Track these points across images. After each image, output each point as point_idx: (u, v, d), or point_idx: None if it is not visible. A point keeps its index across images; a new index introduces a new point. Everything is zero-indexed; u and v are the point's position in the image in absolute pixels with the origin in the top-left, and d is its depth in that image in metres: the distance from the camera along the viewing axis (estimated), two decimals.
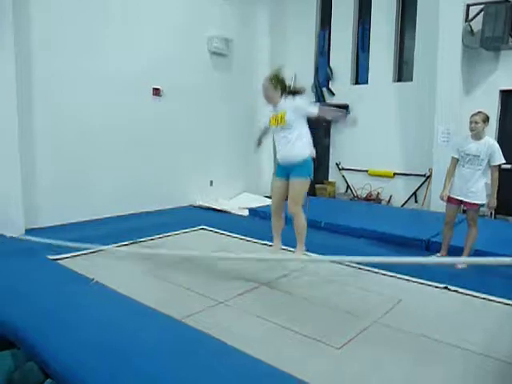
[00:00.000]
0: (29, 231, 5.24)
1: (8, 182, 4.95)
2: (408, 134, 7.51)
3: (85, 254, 4.46)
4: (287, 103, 3.65)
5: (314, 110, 3.65)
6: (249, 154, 8.24)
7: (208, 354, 2.48)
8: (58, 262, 4.19)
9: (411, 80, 7.57)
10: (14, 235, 4.96)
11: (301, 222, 3.72)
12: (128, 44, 6.21)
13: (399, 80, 7.88)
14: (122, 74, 6.16)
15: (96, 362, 2.33)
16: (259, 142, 4.31)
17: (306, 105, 3.67)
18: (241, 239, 5.24)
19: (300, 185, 3.59)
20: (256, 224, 6.05)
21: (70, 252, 4.41)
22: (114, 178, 6.15)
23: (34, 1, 5.24)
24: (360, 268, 4.20)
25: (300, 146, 3.59)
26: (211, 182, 7.71)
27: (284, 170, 3.75)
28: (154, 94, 6.67)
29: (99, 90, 5.93)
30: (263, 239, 5.01)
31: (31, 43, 5.26)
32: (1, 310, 2.99)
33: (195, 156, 7.38)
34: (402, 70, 7.94)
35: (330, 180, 8.47)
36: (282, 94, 3.73)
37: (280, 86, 3.69)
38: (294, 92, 3.84)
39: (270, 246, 4.87)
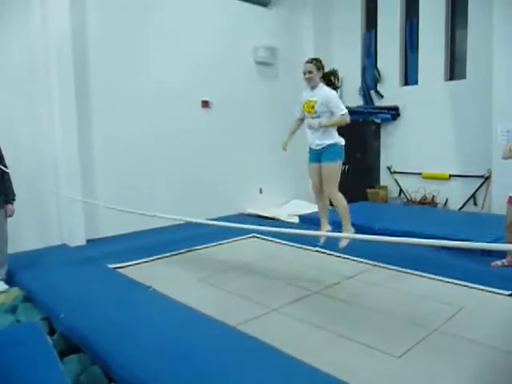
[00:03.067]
0: (90, 241, 5.52)
1: (71, 196, 5.25)
2: (463, 133, 7.17)
3: (143, 262, 4.64)
4: (322, 92, 3.81)
5: (342, 112, 3.76)
6: (297, 161, 8.23)
7: (262, 361, 2.49)
8: (118, 270, 4.38)
9: (465, 78, 7.25)
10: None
11: (340, 202, 3.83)
12: (175, 57, 6.42)
13: (451, 78, 7.56)
14: (171, 88, 6.36)
15: (158, 366, 2.41)
16: (288, 138, 4.49)
17: (336, 103, 3.78)
18: (291, 246, 5.23)
19: (330, 168, 3.74)
20: (306, 230, 5.99)
21: (129, 261, 4.60)
22: (167, 189, 6.35)
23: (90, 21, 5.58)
24: (416, 274, 4.06)
25: (327, 134, 3.77)
26: (260, 190, 7.77)
27: (315, 155, 3.95)
28: (202, 107, 6.84)
29: (150, 105, 6.17)
30: (314, 245, 4.97)
31: (90, 68, 5.60)
32: (68, 317, 3.17)
33: (244, 165, 7.47)
34: (455, 68, 7.62)
35: (381, 184, 8.25)
36: (321, 78, 3.95)
37: (322, 69, 3.90)
38: (331, 83, 4.05)
39: (323, 252, 4.84)
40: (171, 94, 6.38)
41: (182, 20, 6.51)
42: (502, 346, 2.68)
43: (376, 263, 4.42)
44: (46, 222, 5.37)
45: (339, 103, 3.84)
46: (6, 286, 4.12)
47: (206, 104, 6.87)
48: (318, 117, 3.80)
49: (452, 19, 7.51)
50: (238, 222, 6.60)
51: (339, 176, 4.02)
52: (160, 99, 6.27)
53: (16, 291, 4.10)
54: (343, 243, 4.11)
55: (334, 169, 3.77)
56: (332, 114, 3.76)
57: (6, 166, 4.08)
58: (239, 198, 7.42)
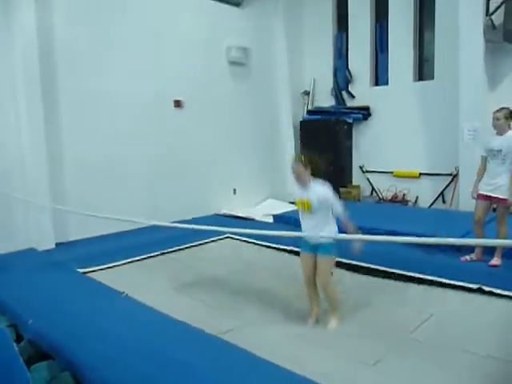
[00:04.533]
0: (59, 245, 5.37)
1: (40, 200, 5.08)
2: (432, 133, 7.36)
3: (115, 266, 4.55)
4: (315, 190, 3.44)
5: (340, 211, 3.42)
6: (271, 161, 8.27)
7: (244, 371, 2.47)
8: (88, 275, 4.28)
9: (433, 78, 7.44)
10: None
11: (332, 292, 3.55)
12: (147, 57, 6.33)
13: (420, 79, 7.75)
14: (143, 88, 6.27)
15: (130, 371, 2.36)
16: None
17: (333, 200, 3.43)
18: (266, 246, 5.22)
19: (327, 263, 3.50)
20: (281, 230, 6.01)
21: (100, 265, 4.50)
22: (139, 191, 6.25)
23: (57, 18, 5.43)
24: (385, 277, 4.12)
25: (327, 230, 3.45)
26: (234, 190, 7.74)
27: (311, 246, 3.60)
28: (175, 106, 6.78)
29: (121, 106, 6.06)
30: (288, 245, 4.99)
31: (57, 67, 5.46)
32: (37, 323, 3.07)
33: (218, 165, 7.44)
34: (423, 69, 7.81)
35: (354, 183, 8.38)
36: (312, 175, 3.49)
37: (310, 165, 3.47)
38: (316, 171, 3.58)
39: (296, 253, 4.85)
40: (143, 94, 6.29)
41: (153, 20, 6.42)
42: (479, 350, 2.72)
43: (343, 260, 4.43)
44: (12, 224, 5.18)
45: (336, 199, 3.49)
46: None
47: (178, 104, 6.80)
48: (317, 213, 3.45)
49: (420, 21, 7.70)
50: (212, 223, 6.58)
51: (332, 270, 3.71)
52: (131, 99, 6.16)
53: None
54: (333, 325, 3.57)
55: (331, 262, 3.54)
56: (327, 209, 3.44)
57: None
58: (213, 198, 7.38)
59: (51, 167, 5.35)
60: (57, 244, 5.37)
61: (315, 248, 3.56)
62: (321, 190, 3.43)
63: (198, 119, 7.08)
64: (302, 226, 3.63)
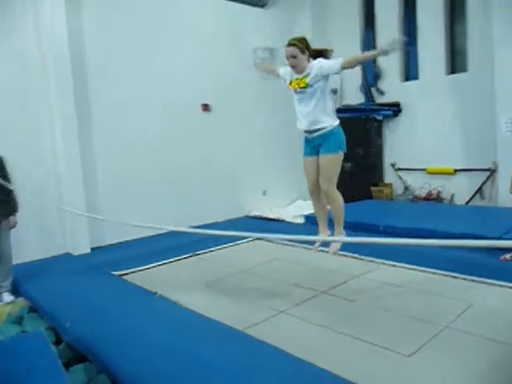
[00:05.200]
0: (94, 249, 5.50)
1: (74, 206, 5.21)
2: (467, 127, 7.10)
3: (148, 268, 4.61)
4: (312, 67, 3.19)
5: (337, 62, 3.15)
6: (300, 162, 8.19)
7: (271, 364, 2.44)
8: (123, 277, 4.35)
9: (466, 71, 7.18)
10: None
11: (337, 201, 3.25)
12: (174, 61, 6.41)
13: (453, 72, 7.49)
14: (171, 93, 6.33)
15: (166, 374, 2.37)
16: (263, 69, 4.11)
17: (328, 62, 3.18)
18: (296, 247, 5.18)
19: (330, 161, 3.15)
20: (312, 231, 5.94)
21: (134, 267, 4.57)
22: (171, 194, 6.32)
23: (88, 31, 5.58)
24: (424, 271, 4.01)
25: (324, 113, 3.17)
26: (264, 192, 7.73)
27: (312, 146, 3.37)
28: (203, 110, 6.83)
29: (151, 110, 6.15)
30: (320, 246, 4.93)
31: (88, 76, 5.61)
32: (73, 326, 3.14)
33: (248, 167, 7.44)
34: (455, 61, 7.55)
35: (386, 182, 8.19)
36: (309, 59, 3.26)
37: (307, 49, 3.21)
38: (319, 53, 3.35)
39: (325, 251, 4.79)
40: (171, 99, 6.36)
41: (180, 24, 6.50)
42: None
43: (383, 261, 4.36)
44: (49, 231, 5.35)
45: (331, 60, 3.23)
46: (11, 297, 4.10)
47: (206, 107, 6.85)
48: (313, 92, 3.19)
49: (451, 12, 7.45)
50: (243, 225, 6.61)
51: (339, 170, 3.40)
52: (160, 104, 6.25)
53: (22, 301, 4.08)
54: (334, 248, 3.56)
55: (334, 161, 3.19)
56: (326, 78, 3.17)
57: (9, 180, 4.07)
58: (243, 200, 7.39)
59: (85, 173, 5.48)
60: (92, 248, 5.50)
61: (317, 146, 3.29)
62: (314, 63, 3.14)
63: (226, 122, 7.10)
64: (297, 113, 3.35)
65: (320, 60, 3.19)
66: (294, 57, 3.16)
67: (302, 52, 3.14)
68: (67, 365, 2.84)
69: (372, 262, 4.42)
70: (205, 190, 6.76)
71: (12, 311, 3.98)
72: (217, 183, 6.98)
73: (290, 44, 3.19)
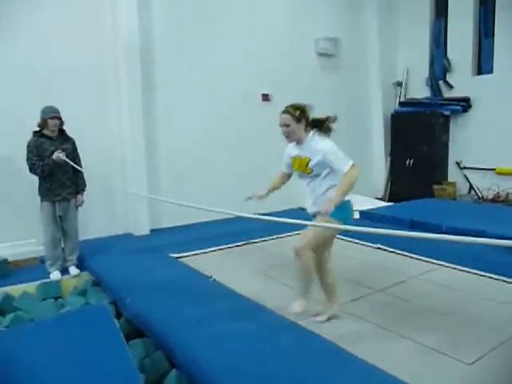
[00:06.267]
0: (153, 231, 5.72)
1: (137, 189, 5.43)
2: None
3: (203, 253, 4.73)
4: (313, 146, 2.87)
5: (341, 167, 2.78)
6: (358, 155, 7.98)
7: (324, 358, 2.43)
8: (179, 259, 4.50)
9: None
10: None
11: (307, 264, 2.78)
12: (237, 52, 6.46)
13: None
14: (232, 82, 6.40)
15: (221, 358, 2.42)
16: (265, 194, 3.65)
17: (336, 156, 2.81)
18: (350, 242, 5.09)
19: (323, 221, 2.69)
20: (367, 227, 5.80)
21: (189, 251, 4.71)
22: (227, 182, 6.41)
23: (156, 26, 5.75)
24: (488, 276, 3.79)
25: (330, 194, 2.80)
26: None
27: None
28: (263, 100, 6.83)
29: (212, 101, 6.26)
30: (374, 242, 4.82)
31: (155, 66, 5.78)
32: (133, 302, 3.29)
33: None
34: None
35: (449, 180, 7.81)
36: (306, 128, 2.93)
37: (304, 117, 2.88)
38: (319, 122, 2.98)
39: (383, 249, 4.68)
40: (232, 89, 6.42)
41: (243, 13, 6.52)
42: None
43: (441, 262, 4.18)
44: (113, 212, 5.62)
45: (339, 154, 2.84)
46: (77, 271, 4.37)
47: (266, 97, 6.85)
48: (317, 175, 2.89)
49: None
50: (296, 216, 6.57)
51: (324, 240, 2.96)
52: (222, 94, 6.33)
53: (86, 275, 4.36)
54: (296, 308, 2.90)
55: (327, 223, 2.68)
56: (333, 169, 2.85)
57: (79, 162, 4.33)
58: (297, 192, 7.32)
59: (148, 160, 5.68)
60: (151, 230, 5.73)
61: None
62: (317, 143, 2.83)
63: None
64: (305, 192, 3.06)
65: (324, 145, 2.84)
66: (287, 125, 2.88)
67: (298, 121, 2.85)
68: (126, 338, 2.98)
69: (430, 262, 4.24)
70: (261, 180, 6.76)
71: (77, 284, 4.26)
72: (273, 173, 6.94)
73: (284, 111, 2.92)
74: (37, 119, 4.10)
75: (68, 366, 2.23)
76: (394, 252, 4.59)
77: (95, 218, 5.35)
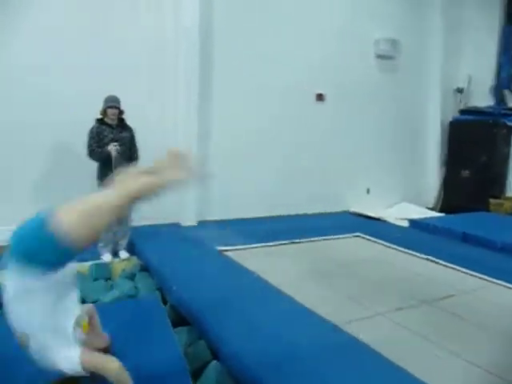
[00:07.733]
0: (200, 223, 5.84)
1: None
2: None
3: (248, 248, 4.77)
4: None
5: None
6: (410, 163, 7.78)
7: (366, 365, 2.39)
8: (224, 252, 4.57)
9: None
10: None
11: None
12: (293, 50, 6.42)
13: None
14: (287, 80, 6.37)
15: (262, 355, 2.43)
16: None
17: None
18: (398, 250, 4.95)
19: None
20: (417, 236, 5.64)
21: (234, 245, 4.77)
22: (275, 180, 6.43)
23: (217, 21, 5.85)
24: None
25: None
26: (368, 190, 7.48)
27: None
28: (317, 100, 6.78)
29: (266, 97, 6.26)
30: (426, 253, 4.66)
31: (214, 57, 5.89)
32: (179, 290, 3.38)
33: (354, 161, 7.25)
34: None
35: (507, 195, 7.42)
36: None
37: None
38: None
39: (433, 261, 4.52)
40: (287, 86, 6.40)
41: (301, 11, 6.47)
42: None
43: (494, 280, 3.98)
44: (163, 201, 5.73)
45: None
46: (127, 254, 4.55)
47: (320, 97, 6.79)
48: None
49: None
50: (344, 220, 6.50)
51: None
52: (276, 91, 6.33)
53: (134, 260, 4.52)
54: None
55: None
56: None
57: (137, 149, 4.49)
58: (345, 195, 7.24)
59: (200, 151, 5.78)
60: (198, 222, 5.84)
61: None
62: None
63: (338, 113, 6.97)
64: None
65: None
66: None
67: None
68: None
69: (482, 278, 4.06)
70: (307, 180, 6.75)
71: (126, 267, 4.42)
72: (320, 174, 6.90)
73: None
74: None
75: (121, 348, 2.31)
76: (444, 265, 4.42)
77: (145, 206, 5.50)
